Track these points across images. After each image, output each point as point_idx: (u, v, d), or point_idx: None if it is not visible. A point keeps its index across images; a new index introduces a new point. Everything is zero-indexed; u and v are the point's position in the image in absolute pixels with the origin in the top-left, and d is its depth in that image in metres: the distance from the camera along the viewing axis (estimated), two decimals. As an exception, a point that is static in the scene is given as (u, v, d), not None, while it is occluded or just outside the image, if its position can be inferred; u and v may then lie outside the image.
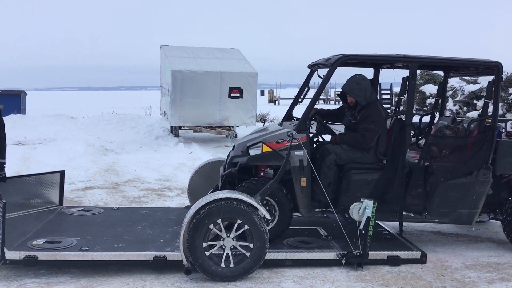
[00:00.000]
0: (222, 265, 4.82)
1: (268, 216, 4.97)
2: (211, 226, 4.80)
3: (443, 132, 5.81)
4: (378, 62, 6.14)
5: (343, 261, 5.11)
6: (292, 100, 6.52)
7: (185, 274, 4.79)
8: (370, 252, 5.16)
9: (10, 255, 4.83)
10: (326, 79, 5.53)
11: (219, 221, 4.81)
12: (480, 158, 5.48)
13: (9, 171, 6.07)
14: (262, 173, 5.70)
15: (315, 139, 6.03)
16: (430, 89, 15.44)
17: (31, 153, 12.69)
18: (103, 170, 10.96)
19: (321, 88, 5.63)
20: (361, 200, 5.14)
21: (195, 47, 18.86)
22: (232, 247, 4.86)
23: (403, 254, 5.35)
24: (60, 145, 13.64)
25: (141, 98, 49.96)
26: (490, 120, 5.52)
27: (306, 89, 6.18)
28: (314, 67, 6.09)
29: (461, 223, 5.71)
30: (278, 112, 22.73)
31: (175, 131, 17.24)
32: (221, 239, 4.86)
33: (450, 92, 14.45)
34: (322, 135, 6.03)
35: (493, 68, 5.57)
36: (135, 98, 58.21)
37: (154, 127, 17.41)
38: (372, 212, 5.05)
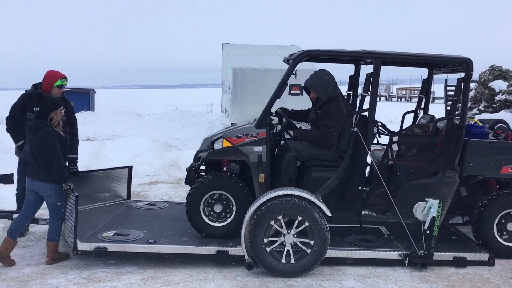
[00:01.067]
0: (283, 261, 4.87)
1: (329, 213, 4.94)
2: (272, 223, 4.86)
3: (413, 131, 5.59)
4: (340, 58, 5.93)
5: (406, 261, 5.02)
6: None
7: (247, 269, 4.88)
8: (434, 253, 5.04)
9: (82, 246, 5.10)
10: (286, 74, 5.34)
11: (279, 217, 4.86)
12: (446, 158, 5.26)
13: (80, 166, 6.40)
14: (225, 168, 5.61)
15: (280, 136, 5.94)
16: (500, 85, 14.74)
17: (100, 148, 13.29)
18: (167, 165, 11.30)
19: (282, 83, 5.36)
20: (426, 199, 5.02)
21: (256, 45, 19.00)
22: (292, 244, 4.89)
23: (469, 256, 5.18)
24: (127, 141, 14.18)
25: (202, 96, 50.95)
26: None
27: (286, 85, 5.84)
28: (288, 62, 5.83)
29: (425, 224, 5.42)
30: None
31: (235, 128, 17.43)
32: (282, 235, 4.90)
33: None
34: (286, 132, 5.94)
35: (463, 64, 5.29)
36: (196, 96, 59.42)
37: (215, 124, 17.72)
38: (438, 212, 4.92)
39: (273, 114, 5.85)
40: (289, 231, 4.88)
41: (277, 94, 5.39)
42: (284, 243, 4.89)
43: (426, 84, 6.26)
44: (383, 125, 5.63)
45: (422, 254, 5.01)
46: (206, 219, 5.41)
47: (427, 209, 4.97)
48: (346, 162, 5.21)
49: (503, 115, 11.97)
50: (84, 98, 23.68)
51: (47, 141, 5.07)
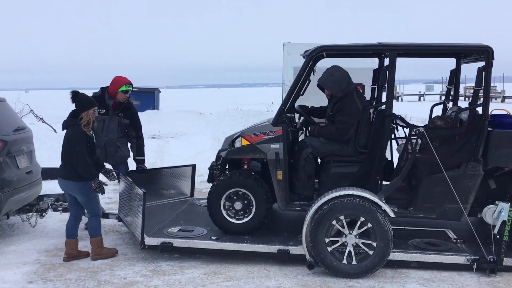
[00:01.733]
0: (344, 261, 4.83)
1: (392, 215, 4.86)
2: (334, 222, 4.83)
3: (435, 123, 5.38)
4: (356, 52, 5.83)
5: (474, 266, 4.84)
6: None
7: (308, 268, 4.88)
8: (504, 258, 4.82)
9: (148, 240, 5.30)
10: (301, 71, 5.28)
11: (341, 217, 4.82)
12: (469, 150, 5.01)
13: (146, 163, 6.63)
14: (246, 166, 5.63)
15: (300, 133, 5.97)
16: None
17: (165, 146, 13.69)
18: (229, 163, 11.44)
19: (297, 80, 5.36)
20: (496, 202, 4.82)
21: (315, 44, 18.87)
22: (354, 245, 4.84)
23: None
24: (189, 139, 14.53)
25: (263, 95, 51.19)
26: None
27: (308, 81, 5.79)
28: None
29: (448, 219, 5.18)
30: (400, 109, 21.91)
31: (296, 127, 17.40)
32: (344, 235, 4.86)
33: None
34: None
35: (483, 53, 5.01)
36: (257, 95, 59.76)
37: (276, 123, 17.74)
38: (509, 216, 4.71)
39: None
40: (351, 232, 4.84)
41: (293, 90, 5.39)
42: (346, 244, 4.85)
43: (454, 75, 6.01)
44: (402, 118, 5.49)
45: (491, 260, 4.81)
46: (226, 216, 5.49)
47: (497, 213, 4.78)
48: (411, 161, 5.08)
49: None
50: (149, 98, 24.42)
51: (72, 139, 5.15)
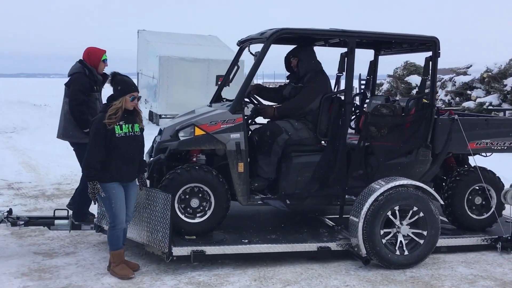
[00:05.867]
0: (397, 252, 4.78)
1: (441, 202, 4.97)
2: (389, 213, 4.75)
3: (380, 111, 5.60)
4: (316, 37, 5.70)
5: (499, 246, 5.21)
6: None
7: (364, 263, 4.72)
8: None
9: (177, 251, 4.55)
10: (261, 55, 5.09)
11: (396, 208, 4.77)
12: (419, 137, 5.37)
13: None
14: (194, 159, 5.11)
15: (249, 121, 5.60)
16: (415, 80, 16.15)
17: (13, 142, 11.76)
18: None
19: (256, 65, 5.16)
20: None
21: (173, 33, 18.30)
22: (406, 235, 4.83)
23: None
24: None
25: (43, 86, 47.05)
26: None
27: (236, 68, 5.65)
28: (245, 43, 5.68)
29: None
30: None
31: (155, 118, 16.72)
32: (395, 226, 4.81)
33: (439, 83, 15.21)
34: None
35: (430, 43, 5.42)
36: (36, 86, 53.26)
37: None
38: None
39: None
40: (402, 222, 4.81)
41: (252, 76, 5.18)
42: (397, 234, 4.82)
43: (373, 66, 6.44)
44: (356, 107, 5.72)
45: (509, 238, 5.22)
46: (181, 215, 4.87)
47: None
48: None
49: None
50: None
51: (91, 128, 4.36)
